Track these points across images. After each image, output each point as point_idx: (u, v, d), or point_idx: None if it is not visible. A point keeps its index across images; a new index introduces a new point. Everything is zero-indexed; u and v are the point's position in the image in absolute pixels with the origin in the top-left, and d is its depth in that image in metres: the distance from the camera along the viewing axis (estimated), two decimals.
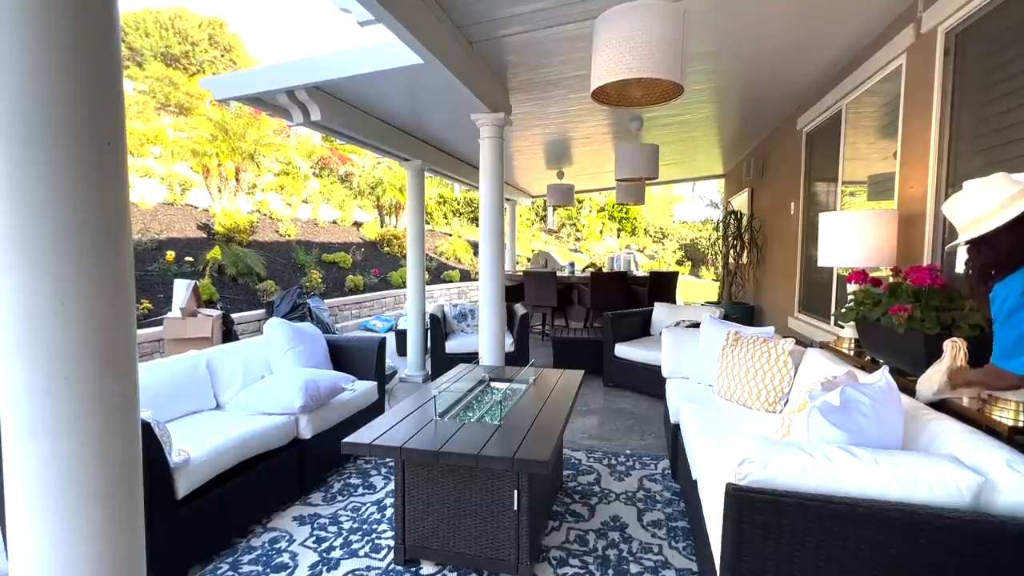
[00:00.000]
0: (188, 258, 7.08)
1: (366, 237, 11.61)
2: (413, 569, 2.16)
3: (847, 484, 1.34)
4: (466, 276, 12.46)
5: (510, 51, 3.30)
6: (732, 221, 6.94)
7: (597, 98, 2.21)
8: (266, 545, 2.33)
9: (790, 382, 2.71)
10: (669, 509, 2.65)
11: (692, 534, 2.35)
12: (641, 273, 8.75)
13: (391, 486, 2.89)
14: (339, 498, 2.76)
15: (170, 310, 4.86)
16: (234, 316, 5.81)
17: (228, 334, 4.67)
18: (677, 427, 2.83)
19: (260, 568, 2.16)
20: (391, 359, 5.92)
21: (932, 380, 1.74)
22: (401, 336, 6.34)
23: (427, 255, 11.95)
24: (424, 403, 2.53)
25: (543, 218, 19.59)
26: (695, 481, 2.15)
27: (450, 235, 14.88)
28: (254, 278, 7.49)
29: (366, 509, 2.65)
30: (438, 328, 4.94)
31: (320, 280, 8.43)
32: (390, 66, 3.20)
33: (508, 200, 9.56)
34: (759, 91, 4.44)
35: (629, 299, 6.92)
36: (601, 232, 20.45)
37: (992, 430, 1.53)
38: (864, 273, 2.50)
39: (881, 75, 3.11)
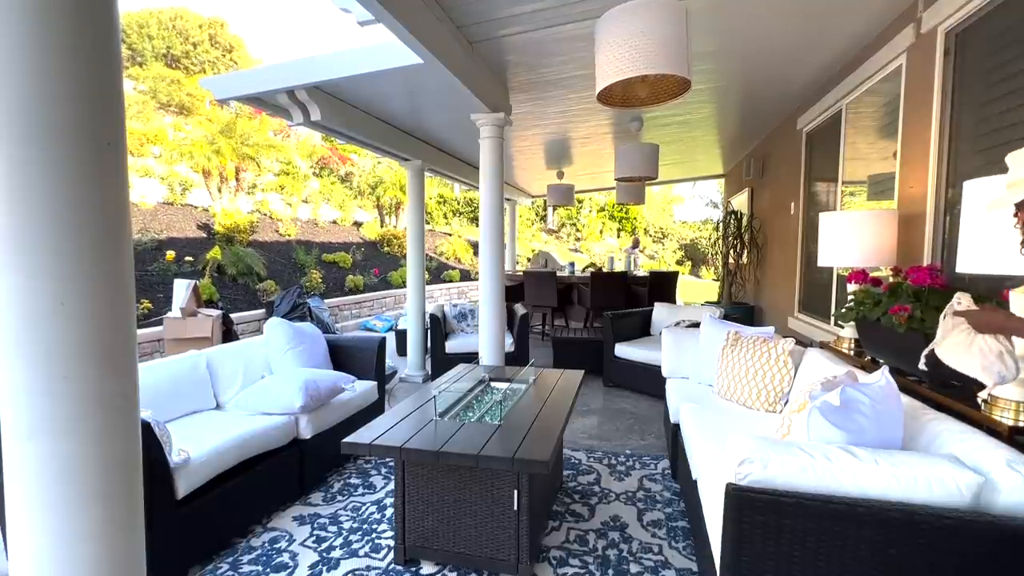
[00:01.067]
0: (188, 258, 7.08)
1: (366, 237, 11.61)
2: (413, 569, 2.16)
3: (847, 484, 1.34)
4: (466, 276, 12.46)
5: (510, 51, 3.30)
6: (732, 221, 6.94)
7: (602, 100, 2.20)
8: (266, 545, 2.33)
9: (790, 382, 2.70)
10: (669, 509, 2.65)
11: (692, 534, 2.35)
12: (641, 273, 8.75)
13: (391, 486, 2.89)
14: (339, 498, 2.76)
15: (170, 310, 4.86)
16: (234, 316, 5.82)
17: (228, 334, 4.67)
18: (677, 427, 2.83)
19: (260, 568, 2.17)
20: (391, 359, 5.92)
21: (957, 342, 1.53)
22: (401, 336, 6.34)
23: (427, 255, 11.96)
24: (424, 403, 2.53)
25: (543, 218, 19.59)
26: (695, 481, 2.15)
27: (450, 235, 14.88)
28: (254, 278, 7.49)
29: (366, 509, 2.65)
30: (438, 328, 4.93)
31: (320, 280, 8.43)
32: (390, 66, 3.20)
33: (508, 200, 9.56)
34: (759, 91, 4.44)
35: (629, 299, 6.92)
36: (601, 232, 20.46)
37: (992, 430, 1.53)
38: (864, 273, 2.50)
39: (881, 75, 3.11)
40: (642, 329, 5.13)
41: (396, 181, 12.83)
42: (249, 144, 9.88)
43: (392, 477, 2.99)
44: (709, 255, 16.02)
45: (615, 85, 2.09)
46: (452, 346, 4.95)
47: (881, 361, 2.31)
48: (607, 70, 2.01)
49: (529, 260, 13.77)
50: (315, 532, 2.43)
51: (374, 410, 3.40)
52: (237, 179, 10.00)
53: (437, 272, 11.95)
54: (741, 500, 1.39)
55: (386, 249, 11.44)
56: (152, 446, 1.90)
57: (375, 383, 3.48)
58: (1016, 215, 1.33)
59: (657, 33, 1.90)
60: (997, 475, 1.28)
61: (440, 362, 4.87)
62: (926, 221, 2.56)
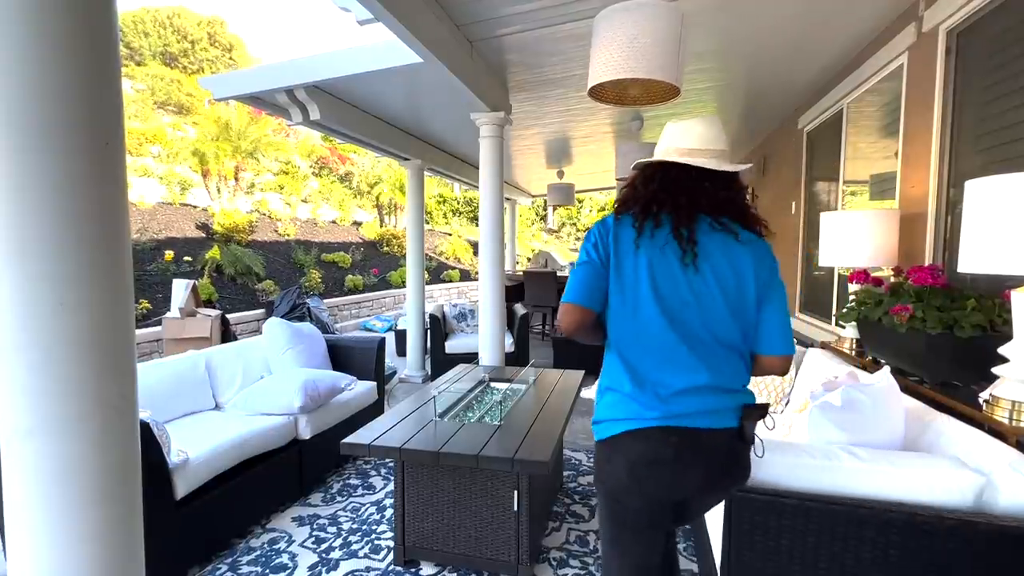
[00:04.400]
0: (187, 258, 7.07)
1: (365, 237, 11.61)
2: (413, 570, 2.15)
3: (848, 484, 1.33)
4: (466, 276, 12.45)
5: (510, 50, 3.29)
6: None
7: (595, 96, 2.21)
8: (265, 546, 2.32)
9: (791, 382, 2.70)
10: None
11: (693, 534, 2.35)
12: None
13: (391, 487, 2.88)
14: (338, 499, 2.76)
15: (169, 310, 4.85)
16: (233, 316, 5.81)
17: (225, 334, 4.66)
18: None
19: (259, 569, 2.16)
20: (391, 359, 5.91)
21: None
22: (401, 336, 6.34)
23: (427, 255, 11.94)
24: (424, 403, 2.52)
25: (543, 218, 19.58)
26: None
27: (450, 235, 14.87)
28: (253, 278, 7.48)
29: (365, 510, 2.64)
30: (438, 328, 4.93)
31: (319, 280, 8.43)
32: (389, 65, 3.19)
33: (508, 200, 9.56)
34: (760, 90, 4.43)
35: None
36: None
37: (994, 431, 1.52)
38: (865, 273, 2.49)
39: (882, 74, 3.11)
40: None
41: (396, 181, 12.82)
42: (247, 140, 9.86)
43: (392, 478, 2.99)
44: None
45: (608, 83, 2.09)
46: (452, 346, 4.94)
47: (883, 361, 2.31)
48: (597, 69, 2.01)
49: (529, 260, 13.76)
50: (314, 533, 2.43)
51: (374, 410, 3.39)
52: (236, 179, 9.99)
53: (437, 272, 11.94)
54: (742, 500, 1.39)
55: (385, 249, 11.43)
56: (151, 446, 1.89)
57: (375, 383, 3.47)
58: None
59: (649, 37, 1.90)
60: (998, 476, 1.28)
61: (440, 362, 4.86)
62: (928, 221, 2.55)
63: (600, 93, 2.20)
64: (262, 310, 6.50)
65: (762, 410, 1.24)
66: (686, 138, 1.30)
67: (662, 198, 1.27)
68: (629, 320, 1.24)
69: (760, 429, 1.29)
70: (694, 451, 1.19)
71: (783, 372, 1.30)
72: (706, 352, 1.21)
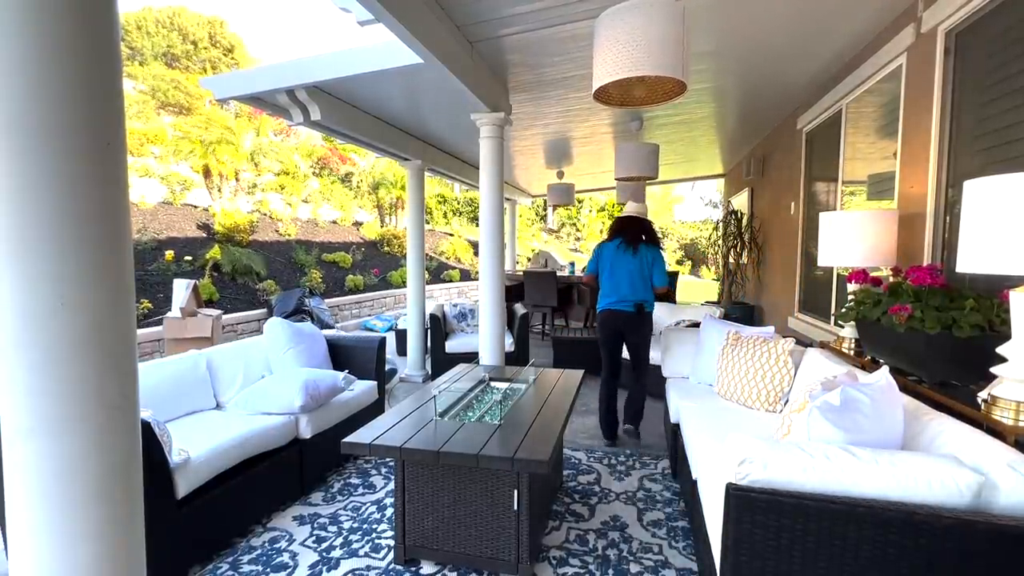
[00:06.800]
0: (188, 257, 7.08)
1: (366, 237, 11.61)
2: (413, 569, 2.16)
3: (847, 484, 1.34)
4: (466, 276, 12.46)
5: (510, 50, 3.29)
6: (732, 221, 6.94)
7: (600, 99, 2.20)
8: (266, 545, 2.33)
9: (790, 382, 2.70)
10: (669, 509, 2.65)
11: (692, 534, 2.35)
12: None
13: (391, 486, 2.89)
14: (339, 498, 2.76)
15: (170, 310, 4.86)
16: (235, 316, 5.82)
17: None
18: (677, 427, 2.84)
19: (260, 568, 2.17)
20: (391, 359, 5.92)
21: None
22: (401, 336, 6.34)
23: (427, 255, 11.95)
24: (424, 403, 2.53)
25: (543, 218, 19.58)
26: (695, 481, 2.15)
27: (450, 235, 14.88)
28: (254, 278, 7.49)
29: (366, 509, 2.65)
30: (438, 328, 4.93)
31: (320, 280, 8.43)
32: (390, 66, 3.20)
33: (508, 200, 9.56)
34: (759, 91, 4.44)
35: None
36: (601, 232, 20.45)
37: (993, 430, 1.53)
38: (864, 273, 2.50)
39: (881, 75, 3.11)
40: None
41: (396, 181, 12.83)
42: (244, 150, 9.86)
43: (392, 477, 2.99)
44: (709, 255, 15.98)
45: (612, 85, 2.09)
46: (452, 346, 4.95)
47: (881, 361, 2.31)
48: (603, 70, 2.00)
49: (529, 260, 13.77)
50: (315, 532, 2.43)
51: (374, 410, 3.40)
52: (237, 179, 10.00)
53: (437, 272, 11.95)
54: (741, 500, 1.39)
55: (386, 249, 11.44)
56: (152, 446, 1.90)
57: (375, 383, 3.48)
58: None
59: (654, 34, 1.89)
60: (997, 475, 1.28)
61: (440, 362, 4.87)
62: (926, 221, 2.56)
63: (605, 95, 2.19)
64: (263, 310, 6.51)
65: (640, 304, 3.37)
66: (637, 208, 3.55)
67: (629, 234, 3.45)
68: (602, 275, 3.49)
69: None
70: (616, 316, 3.41)
71: (663, 293, 3.52)
72: (628, 285, 3.37)
